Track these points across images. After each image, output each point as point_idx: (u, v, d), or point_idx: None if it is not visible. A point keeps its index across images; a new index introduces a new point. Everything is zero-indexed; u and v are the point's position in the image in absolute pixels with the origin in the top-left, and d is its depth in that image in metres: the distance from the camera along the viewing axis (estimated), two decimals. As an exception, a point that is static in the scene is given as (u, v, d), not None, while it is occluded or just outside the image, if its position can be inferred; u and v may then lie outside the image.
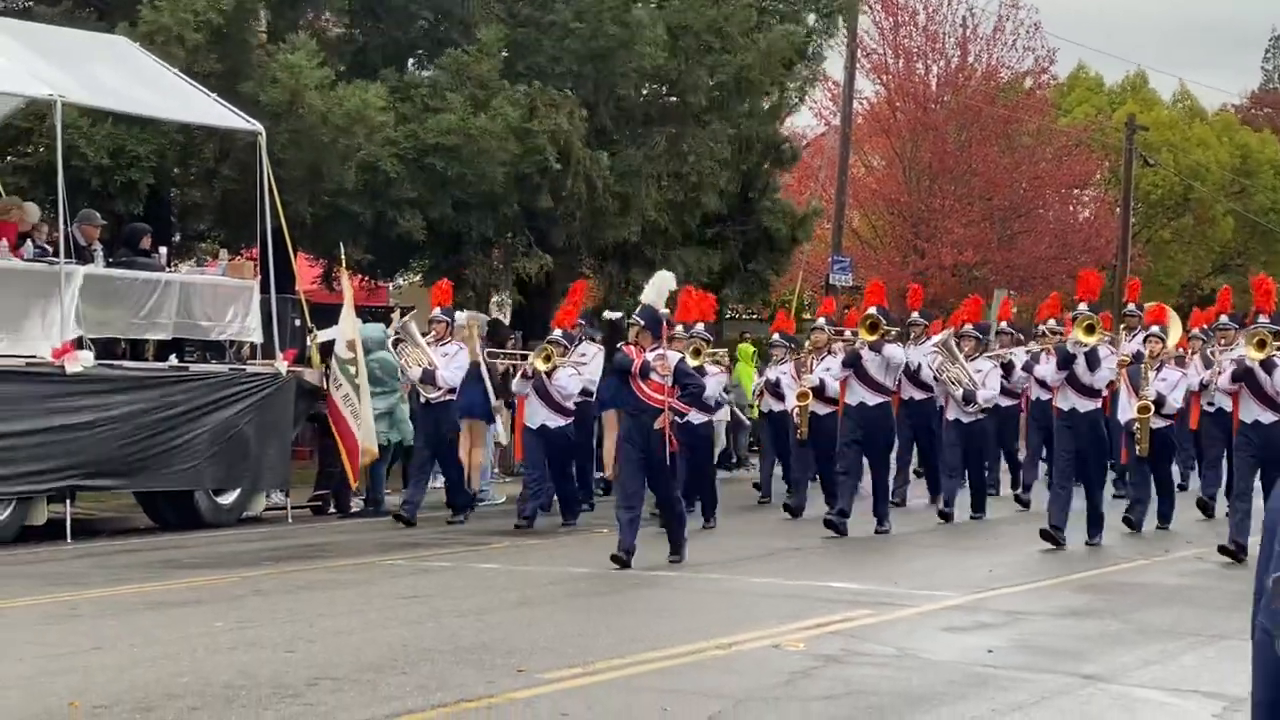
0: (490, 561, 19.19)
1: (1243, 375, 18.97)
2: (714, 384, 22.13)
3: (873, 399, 21.33)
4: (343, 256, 24.31)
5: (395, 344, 22.91)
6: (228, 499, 22.14)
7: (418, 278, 34.48)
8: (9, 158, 24.56)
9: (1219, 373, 21.22)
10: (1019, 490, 25.93)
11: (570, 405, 21.72)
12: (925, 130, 52.15)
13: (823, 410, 22.98)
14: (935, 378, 24.14)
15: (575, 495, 22.74)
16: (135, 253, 22.82)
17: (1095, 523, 20.46)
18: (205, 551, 19.41)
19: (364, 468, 22.56)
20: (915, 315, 25.81)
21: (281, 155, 24.64)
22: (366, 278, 31.67)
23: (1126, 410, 21.85)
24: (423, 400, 22.21)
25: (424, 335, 22.74)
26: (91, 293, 20.69)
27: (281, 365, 22.44)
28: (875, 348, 21.12)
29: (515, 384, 21.91)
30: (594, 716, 10.92)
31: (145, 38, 24.44)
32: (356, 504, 23.54)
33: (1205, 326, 25.99)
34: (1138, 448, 21.48)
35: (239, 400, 21.55)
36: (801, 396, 23.22)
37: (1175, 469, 24.40)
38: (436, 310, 22.68)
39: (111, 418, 20.36)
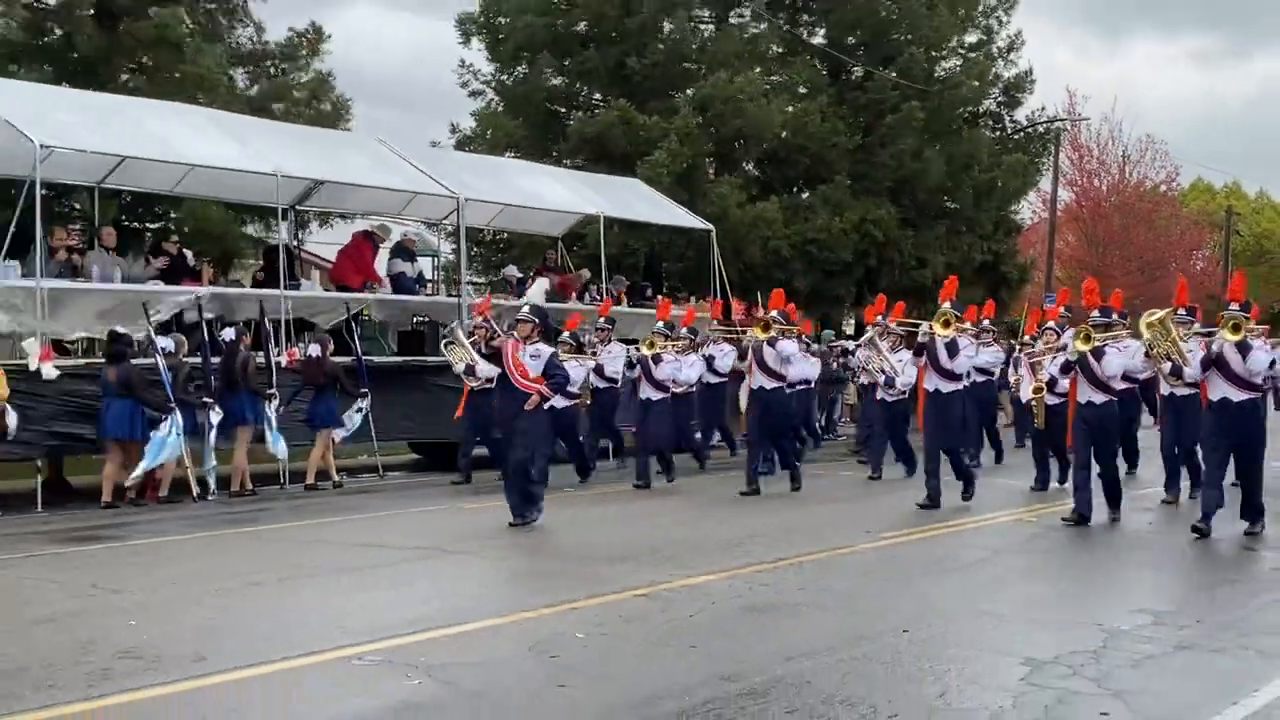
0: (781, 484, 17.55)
1: (1074, 364, 13.94)
2: (685, 370, 18.49)
3: (770, 384, 16.87)
4: (759, 299, 25.07)
5: (445, 344, 17.83)
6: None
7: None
8: (574, 249, 25.90)
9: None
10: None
11: (576, 390, 17.77)
12: (1100, 219, 52.16)
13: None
14: (864, 367, 19.43)
15: (586, 460, 18.72)
16: (643, 299, 23.85)
17: (965, 482, 15.57)
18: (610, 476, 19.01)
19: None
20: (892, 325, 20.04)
21: (724, 242, 25.78)
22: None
23: (1025, 391, 16.79)
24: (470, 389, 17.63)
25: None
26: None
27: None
28: (770, 343, 16.73)
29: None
30: (902, 560, 11.15)
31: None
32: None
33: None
34: (1035, 421, 16.37)
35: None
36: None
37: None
38: (479, 318, 16.73)
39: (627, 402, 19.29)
